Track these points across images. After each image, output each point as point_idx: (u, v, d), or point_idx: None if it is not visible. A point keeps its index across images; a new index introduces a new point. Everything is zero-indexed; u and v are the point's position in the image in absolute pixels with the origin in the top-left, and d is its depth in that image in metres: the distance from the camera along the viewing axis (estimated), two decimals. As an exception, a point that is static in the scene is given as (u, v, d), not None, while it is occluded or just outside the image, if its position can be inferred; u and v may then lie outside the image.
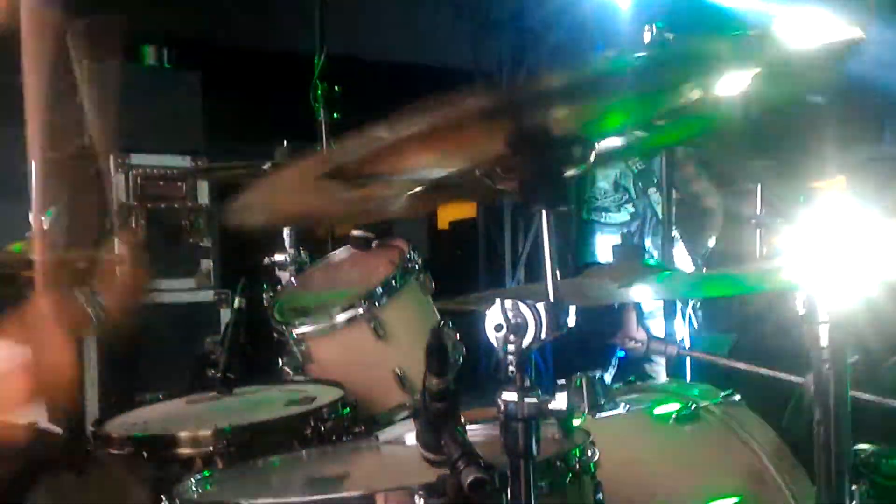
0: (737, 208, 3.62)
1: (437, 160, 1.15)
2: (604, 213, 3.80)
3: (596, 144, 1.14)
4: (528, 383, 1.09)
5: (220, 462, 1.71)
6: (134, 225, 3.45)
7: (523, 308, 1.07)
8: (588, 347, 2.51)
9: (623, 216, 3.95)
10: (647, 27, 2.65)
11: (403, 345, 2.22)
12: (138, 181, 3.46)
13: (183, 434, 1.80)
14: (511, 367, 1.09)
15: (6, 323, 1.45)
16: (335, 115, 3.75)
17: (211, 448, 1.75)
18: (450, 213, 7.89)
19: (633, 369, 3.58)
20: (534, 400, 1.09)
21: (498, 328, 1.08)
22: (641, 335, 1.83)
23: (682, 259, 3.61)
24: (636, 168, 3.73)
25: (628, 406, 1.75)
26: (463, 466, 1.09)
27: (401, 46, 6.11)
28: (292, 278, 2.58)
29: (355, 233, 2.43)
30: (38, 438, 1.55)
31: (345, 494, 1.30)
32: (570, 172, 1.13)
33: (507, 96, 1.02)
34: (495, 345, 1.09)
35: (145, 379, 3.21)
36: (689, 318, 3.47)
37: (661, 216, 3.42)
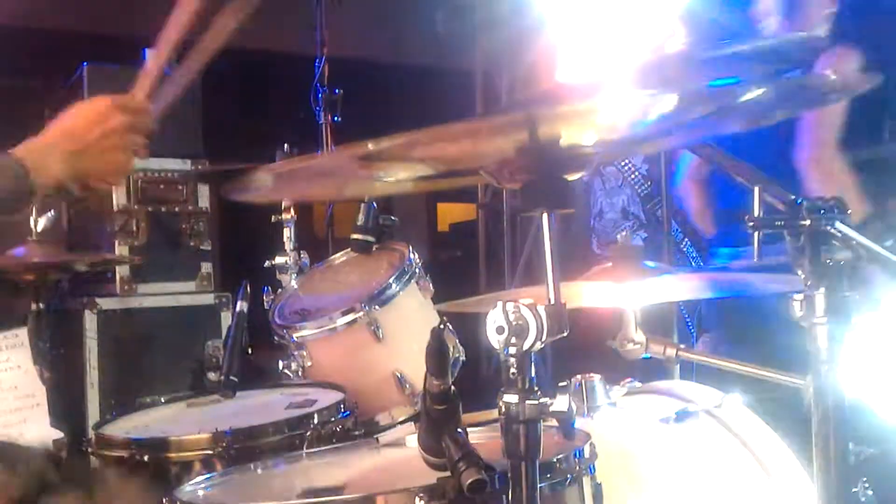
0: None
1: (443, 162, 1.15)
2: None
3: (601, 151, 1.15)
4: (528, 385, 1.09)
5: (220, 465, 1.71)
6: (134, 228, 3.45)
7: (524, 310, 1.08)
8: (588, 350, 2.51)
9: (637, 243, 3.88)
10: None
11: (404, 347, 2.22)
12: (139, 185, 3.46)
13: (183, 437, 1.81)
14: (512, 369, 1.10)
15: None
16: (335, 118, 3.76)
17: (211, 451, 1.75)
18: (449, 216, 7.89)
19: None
20: (534, 402, 1.09)
21: (499, 330, 1.08)
22: (640, 337, 1.82)
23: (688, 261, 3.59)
24: (643, 191, 3.67)
25: (627, 407, 1.75)
26: (463, 468, 1.09)
27: (400, 48, 6.12)
28: (293, 281, 2.58)
29: (355, 236, 2.43)
30: (43, 459, 1.55)
31: (345, 497, 1.31)
32: (573, 177, 1.14)
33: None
34: (496, 347, 1.09)
35: (146, 382, 3.21)
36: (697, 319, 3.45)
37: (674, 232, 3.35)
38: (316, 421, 1.85)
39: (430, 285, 2.37)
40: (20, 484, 1.47)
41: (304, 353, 2.24)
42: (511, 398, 1.09)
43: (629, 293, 1.74)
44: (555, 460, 1.27)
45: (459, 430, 1.13)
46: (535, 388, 1.10)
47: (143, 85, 1.56)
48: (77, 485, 1.56)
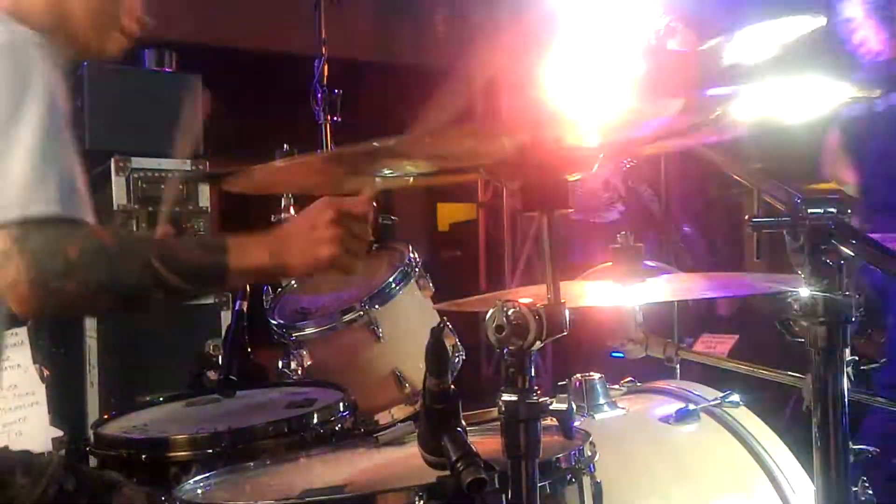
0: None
1: (443, 161, 1.16)
2: (593, 214, 3.74)
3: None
4: (528, 384, 1.09)
5: (220, 464, 1.70)
6: (134, 228, 3.45)
7: (524, 309, 1.08)
8: (587, 348, 2.51)
9: (613, 215, 3.91)
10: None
11: (403, 346, 2.22)
12: (139, 184, 3.46)
13: (182, 436, 1.80)
14: (511, 368, 1.10)
15: None
16: (335, 118, 3.76)
17: (210, 450, 1.75)
18: (450, 216, 7.89)
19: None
20: (534, 401, 1.09)
21: (499, 329, 1.08)
22: (640, 336, 1.82)
23: (689, 259, 3.59)
24: (625, 164, 3.70)
25: (627, 406, 1.75)
26: (463, 467, 1.09)
27: (400, 48, 6.12)
28: (292, 280, 2.57)
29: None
30: (59, 466, 1.55)
31: (345, 496, 1.30)
32: (573, 177, 1.14)
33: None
34: (496, 346, 1.09)
35: (145, 381, 3.21)
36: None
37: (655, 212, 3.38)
38: (316, 420, 1.85)
39: (430, 284, 2.37)
40: (38, 492, 1.47)
41: (304, 353, 2.24)
42: (511, 397, 1.09)
43: (629, 292, 1.74)
44: (554, 459, 1.27)
45: (459, 429, 1.13)
46: (535, 387, 1.10)
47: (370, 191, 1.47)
48: (94, 492, 1.55)
